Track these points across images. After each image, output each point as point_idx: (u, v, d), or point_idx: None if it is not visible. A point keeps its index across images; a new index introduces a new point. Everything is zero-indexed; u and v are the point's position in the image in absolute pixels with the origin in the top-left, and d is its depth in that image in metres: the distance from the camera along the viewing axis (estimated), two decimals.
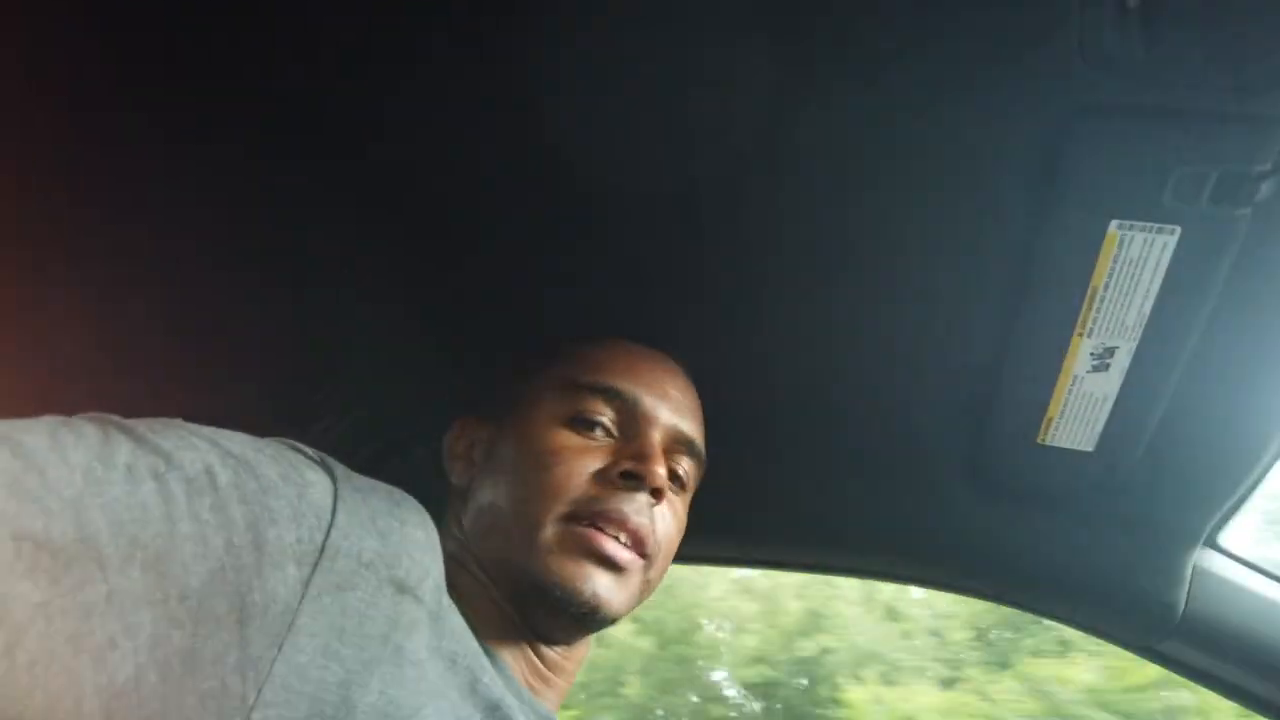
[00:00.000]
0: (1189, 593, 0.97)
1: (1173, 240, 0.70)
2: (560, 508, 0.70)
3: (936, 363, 0.88)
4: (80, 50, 0.67)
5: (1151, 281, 0.73)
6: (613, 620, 0.71)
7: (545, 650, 0.73)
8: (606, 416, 0.76)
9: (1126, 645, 1.06)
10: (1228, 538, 0.98)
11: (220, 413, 0.89)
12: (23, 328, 0.80)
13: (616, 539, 0.70)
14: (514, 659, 0.71)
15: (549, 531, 0.69)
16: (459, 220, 0.84)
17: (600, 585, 0.69)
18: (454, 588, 0.64)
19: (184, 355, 0.86)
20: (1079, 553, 1.02)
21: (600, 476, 0.72)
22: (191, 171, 0.76)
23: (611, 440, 0.75)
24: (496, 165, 0.78)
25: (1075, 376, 0.82)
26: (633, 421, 0.76)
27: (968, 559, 1.09)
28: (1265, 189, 0.65)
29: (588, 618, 0.69)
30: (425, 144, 0.77)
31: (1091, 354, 0.80)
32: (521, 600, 0.70)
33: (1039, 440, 0.89)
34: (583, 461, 0.72)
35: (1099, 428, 0.86)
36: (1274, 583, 0.97)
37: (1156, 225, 0.69)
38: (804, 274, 0.83)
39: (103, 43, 0.67)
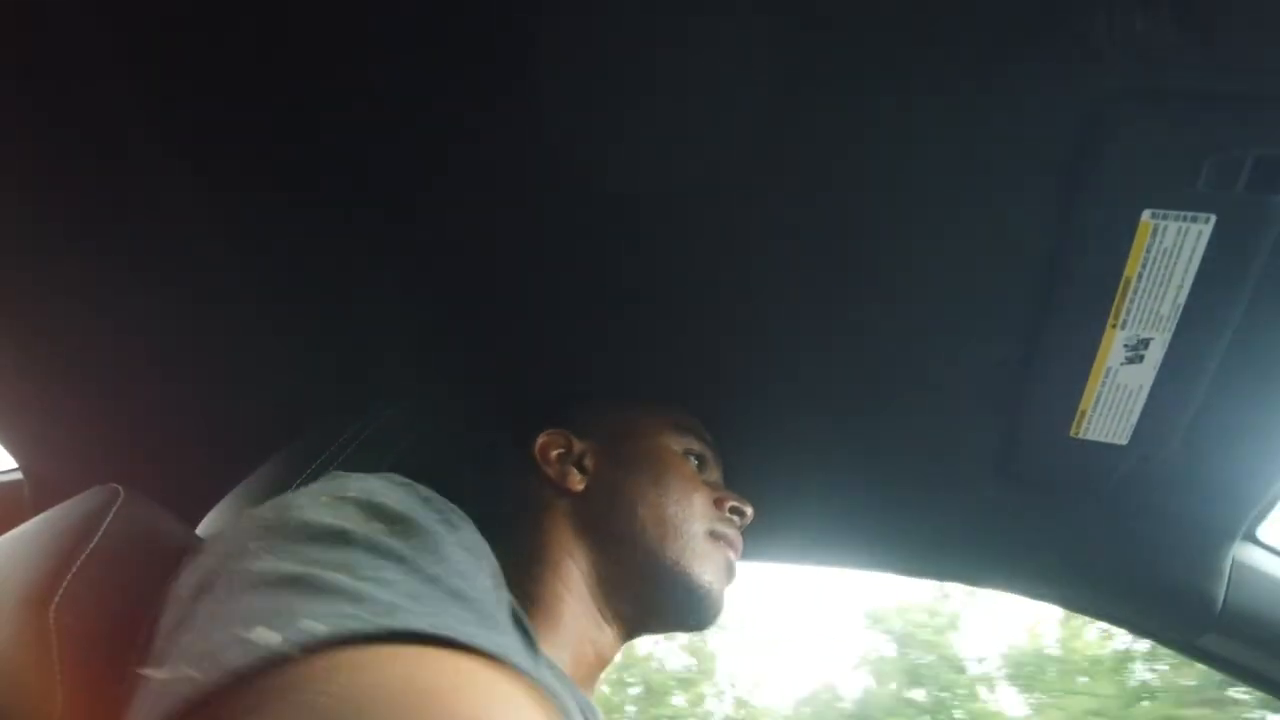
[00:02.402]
0: (1228, 587, 0.96)
1: (1207, 229, 0.69)
2: (704, 524, 0.85)
3: (966, 356, 0.87)
4: (88, 51, 0.67)
5: (1186, 271, 0.72)
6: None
7: (613, 642, 0.84)
8: (700, 458, 0.92)
9: (1165, 641, 1.05)
10: (1268, 531, 0.97)
11: (233, 412, 0.91)
12: (32, 328, 0.82)
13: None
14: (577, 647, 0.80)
15: (699, 542, 0.84)
16: (469, 221, 0.84)
17: (725, 588, 0.85)
18: (546, 569, 0.80)
19: (196, 356, 0.87)
20: (1114, 547, 1.01)
21: (718, 505, 0.88)
22: (211, 168, 0.76)
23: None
24: (504, 168, 0.78)
25: (1108, 368, 0.81)
26: (706, 466, 0.93)
27: (1000, 554, 1.08)
28: None
29: (712, 608, 0.84)
30: (431, 145, 0.77)
31: (1125, 345, 0.78)
32: (657, 589, 0.82)
33: (1072, 434, 0.87)
34: (705, 491, 0.88)
35: (1133, 420, 0.84)
36: None
37: (1190, 214, 0.68)
38: (829, 269, 0.83)
39: (113, 42, 0.68)
